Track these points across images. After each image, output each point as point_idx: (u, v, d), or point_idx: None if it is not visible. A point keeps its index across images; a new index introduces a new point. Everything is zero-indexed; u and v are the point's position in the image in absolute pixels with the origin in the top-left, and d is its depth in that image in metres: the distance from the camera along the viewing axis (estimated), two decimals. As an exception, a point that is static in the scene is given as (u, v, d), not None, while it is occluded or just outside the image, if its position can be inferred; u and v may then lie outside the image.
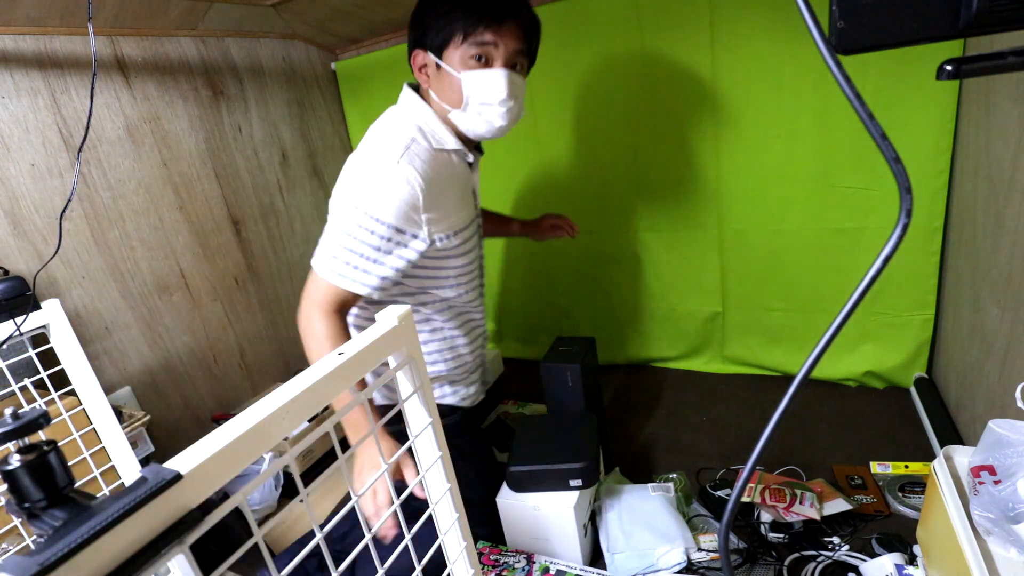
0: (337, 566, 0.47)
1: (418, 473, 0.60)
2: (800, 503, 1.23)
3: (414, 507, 0.63)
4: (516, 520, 1.19)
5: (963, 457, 0.90)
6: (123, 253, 1.55)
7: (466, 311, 1.27)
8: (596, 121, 1.80)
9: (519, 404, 1.92)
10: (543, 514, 1.16)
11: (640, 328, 2.04)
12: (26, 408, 0.39)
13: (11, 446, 0.37)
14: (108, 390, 1.37)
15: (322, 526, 0.47)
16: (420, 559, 0.57)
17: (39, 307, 0.95)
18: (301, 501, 0.45)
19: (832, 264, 1.65)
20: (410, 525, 0.56)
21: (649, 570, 1.16)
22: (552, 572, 1.16)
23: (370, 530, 0.50)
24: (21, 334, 0.89)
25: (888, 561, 1.04)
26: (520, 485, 1.17)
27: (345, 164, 1.04)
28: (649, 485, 1.37)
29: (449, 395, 1.30)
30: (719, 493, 1.36)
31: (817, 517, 1.20)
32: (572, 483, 1.14)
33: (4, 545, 0.97)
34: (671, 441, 1.64)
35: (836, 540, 1.18)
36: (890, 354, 1.66)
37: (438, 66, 1.02)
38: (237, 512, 1.20)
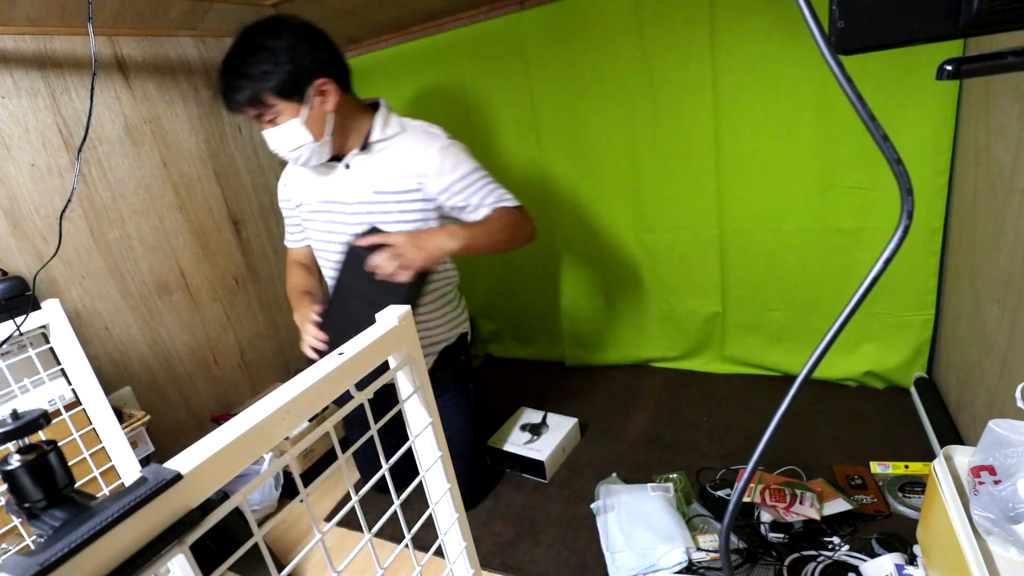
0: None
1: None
2: (800, 503, 1.23)
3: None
4: None
5: (963, 457, 0.90)
6: (123, 253, 1.55)
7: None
8: (596, 121, 1.79)
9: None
10: None
11: (640, 328, 2.04)
12: (26, 408, 0.39)
13: (11, 446, 0.37)
14: (108, 390, 1.37)
15: (327, 520, 0.47)
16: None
17: (39, 307, 0.95)
18: (301, 501, 0.45)
19: (832, 264, 1.65)
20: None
21: (649, 570, 1.16)
22: None
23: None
24: (21, 334, 0.89)
25: (888, 561, 1.05)
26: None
27: None
28: (649, 485, 1.37)
29: None
30: (719, 493, 1.36)
31: (817, 517, 1.20)
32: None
33: (4, 545, 0.97)
34: (671, 441, 1.64)
35: (836, 540, 1.18)
36: (890, 354, 1.66)
37: None
38: (237, 512, 1.20)
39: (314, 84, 1.12)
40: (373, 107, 1.27)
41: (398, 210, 1.23)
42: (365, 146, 1.24)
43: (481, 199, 1.26)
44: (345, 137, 1.23)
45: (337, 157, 1.26)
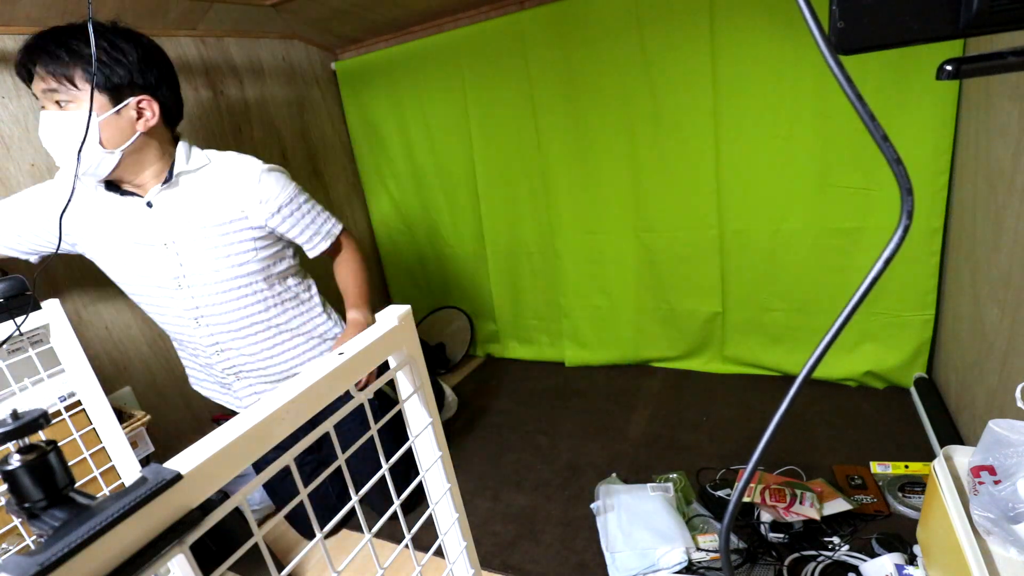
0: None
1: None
2: (800, 503, 1.23)
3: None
4: None
5: (963, 457, 0.90)
6: (123, 253, 1.55)
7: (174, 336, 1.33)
8: (596, 121, 1.80)
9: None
10: None
11: (640, 328, 2.05)
12: (26, 408, 0.39)
13: (11, 446, 0.37)
14: (108, 390, 1.36)
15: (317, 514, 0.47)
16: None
17: (39, 307, 0.95)
18: (301, 501, 0.45)
19: (832, 264, 1.65)
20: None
21: (649, 570, 1.16)
22: None
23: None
24: (21, 334, 0.89)
25: (888, 561, 1.05)
26: None
27: None
28: (648, 485, 1.37)
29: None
30: (719, 493, 1.36)
31: (817, 517, 1.20)
32: None
33: (4, 545, 0.97)
34: (671, 441, 1.64)
35: (836, 540, 1.18)
36: (890, 354, 1.66)
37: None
38: (237, 512, 1.20)
39: (139, 97, 1.04)
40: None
41: (225, 243, 1.15)
42: (167, 180, 1.12)
43: (317, 229, 1.24)
44: (141, 167, 1.10)
45: (129, 192, 1.13)
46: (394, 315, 0.54)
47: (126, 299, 1.56)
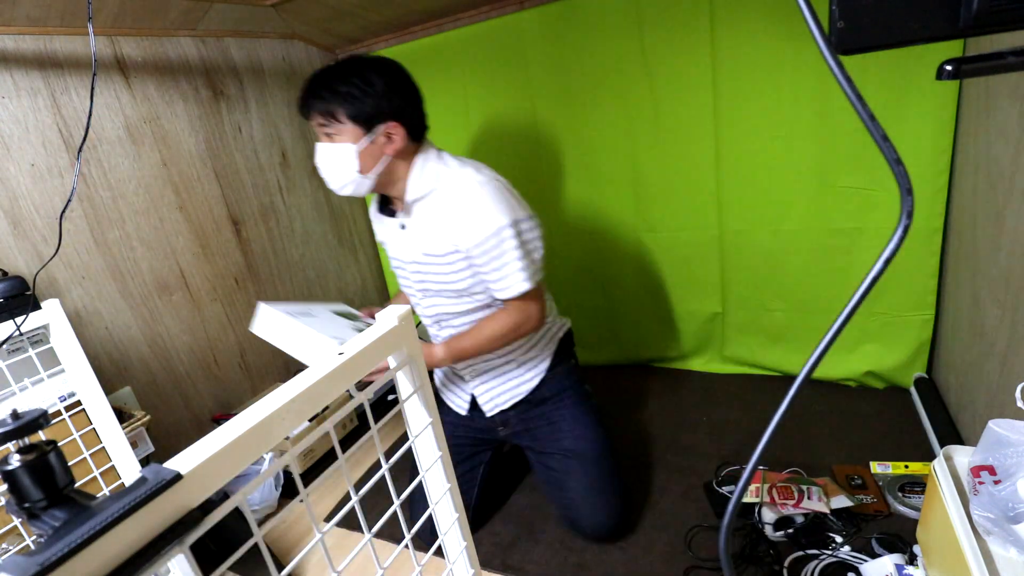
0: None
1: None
2: (808, 498, 1.24)
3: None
4: None
5: (963, 457, 0.90)
6: (123, 253, 1.55)
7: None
8: (596, 121, 1.79)
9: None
10: None
11: (640, 328, 2.04)
12: (26, 408, 0.39)
13: (11, 446, 0.37)
14: (108, 390, 1.37)
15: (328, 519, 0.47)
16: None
17: (39, 307, 0.95)
18: (301, 501, 0.45)
19: (832, 264, 1.65)
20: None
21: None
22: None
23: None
24: (21, 334, 0.89)
25: (888, 561, 1.05)
26: None
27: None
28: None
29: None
30: (723, 490, 1.36)
31: (826, 510, 1.20)
32: None
33: (4, 545, 0.97)
34: (671, 441, 1.64)
35: (838, 539, 1.18)
36: (890, 354, 1.66)
37: None
38: (237, 512, 1.20)
39: (387, 124, 1.15)
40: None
41: (448, 271, 1.24)
42: (405, 208, 1.26)
43: (498, 278, 1.19)
44: (394, 184, 1.23)
45: (392, 212, 1.31)
46: (394, 315, 0.54)
47: (126, 299, 1.56)
